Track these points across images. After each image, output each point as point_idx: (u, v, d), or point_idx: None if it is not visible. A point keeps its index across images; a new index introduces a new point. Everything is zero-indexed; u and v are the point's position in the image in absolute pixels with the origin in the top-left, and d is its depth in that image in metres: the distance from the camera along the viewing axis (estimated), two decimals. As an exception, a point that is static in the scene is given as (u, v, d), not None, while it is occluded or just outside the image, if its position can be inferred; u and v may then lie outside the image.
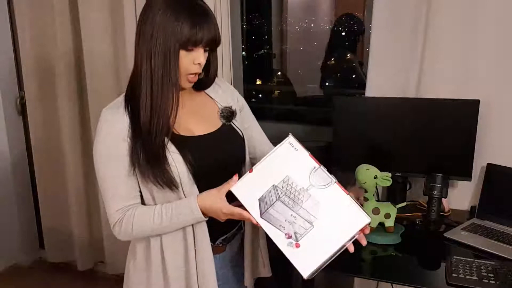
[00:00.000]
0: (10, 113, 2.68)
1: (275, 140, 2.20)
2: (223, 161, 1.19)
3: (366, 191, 1.62)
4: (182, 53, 1.06)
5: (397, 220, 1.65)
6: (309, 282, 1.84)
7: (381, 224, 1.62)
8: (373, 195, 1.62)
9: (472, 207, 1.83)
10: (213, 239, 1.19)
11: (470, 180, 1.79)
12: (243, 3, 2.53)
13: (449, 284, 1.34)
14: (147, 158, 1.08)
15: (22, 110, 2.71)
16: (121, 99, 1.14)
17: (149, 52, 1.06)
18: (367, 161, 1.66)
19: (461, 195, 1.89)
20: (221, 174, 1.14)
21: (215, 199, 1.09)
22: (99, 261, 2.74)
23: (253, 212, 1.03)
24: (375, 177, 1.59)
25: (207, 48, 1.11)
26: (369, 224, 1.02)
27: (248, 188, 1.05)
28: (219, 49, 2.01)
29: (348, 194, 1.03)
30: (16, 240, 2.82)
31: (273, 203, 1.03)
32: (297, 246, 1.00)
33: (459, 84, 1.80)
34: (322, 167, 1.05)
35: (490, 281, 1.31)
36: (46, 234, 2.76)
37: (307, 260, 0.99)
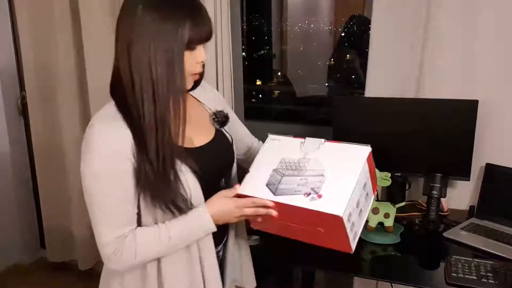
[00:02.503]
0: (11, 113, 2.68)
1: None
2: (221, 169, 1.17)
3: (365, 191, 1.63)
4: (186, 54, 0.98)
5: (397, 219, 1.66)
6: (308, 281, 1.85)
7: (381, 224, 1.62)
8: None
9: (471, 207, 1.83)
10: None
11: (469, 180, 1.79)
12: (243, 3, 2.53)
13: (448, 284, 1.34)
14: (157, 181, 0.97)
15: (23, 110, 2.71)
16: (112, 110, 0.99)
17: (148, 61, 0.94)
18: (367, 161, 1.66)
19: (460, 195, 1.90)
20: (219, 183, 1.15)
21: (223, 200, 1.05)
22: (99, 260, 2.73)
23: (266, 196, 1.05)
24: (375, 177, 1.60)
25: (205, 42, 1.02)
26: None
27: (252, 183, 1.09)
28: (219, 49, 2.03)
29: (341, 142, 1.07)
30: (17, 239, 2.82)
31: (280, 181, 1.06)
32: (320, 196, 1.01)
33: (459, 84, 1.80)
34: (307, 138, 1.10)
35: (489, 281, 1.32)
36: (46, 234, 2.76)
37: (335, 202, 0.99)
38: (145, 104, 0.95)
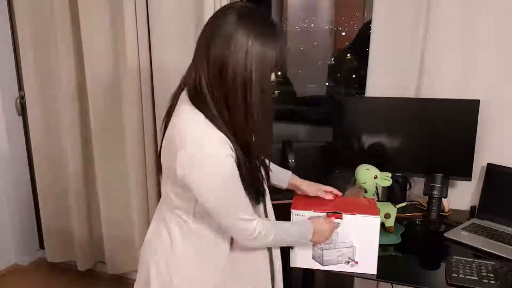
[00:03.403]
0: (10, 113, 2.67)
1: (275, 139, 2.20)
2: (268, 165, 1.31)
3: (366, 191, 1.62)
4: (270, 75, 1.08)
5: (397, 220, 1.65)
6: (308, 281, 1.84)
7: (381, 224, 1.61)
8: (373, 195, 1.62)
9: (472, 207, 1.83)
10: None
11: (470, 180, 1.79)
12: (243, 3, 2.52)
13: (449, 284, 1.34)
14: (252, 176, 1.12)
15: (22, 110, 2.71)
16: (202, 120, 1.06)
17: (247, 83, 1.03)
18: (367, 161, 1.66)
19: (461, 195, 1.89)
20: None
21: (323, 221, 1.31)
22: (99, 261, 2.73)
23: (317, 267, 1.39)
24: (375, 177, 1.60)
25: None
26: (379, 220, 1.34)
27: (300, 257, 1.40)
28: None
29: (354, 214, 1.32)
30: (16, 240, 2.81)
31: (322, 254, 1.37)
32: (357, 263, 1.35)
33: (459, 84, 1.80)
34: (326, 212, 1.34)
35: (490, 281, 1.31)
36: (46, 234, 2.75)
37: (369, 264, 1.35)
38: (239, 118, 1.06)
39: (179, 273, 1.18)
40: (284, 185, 1.46)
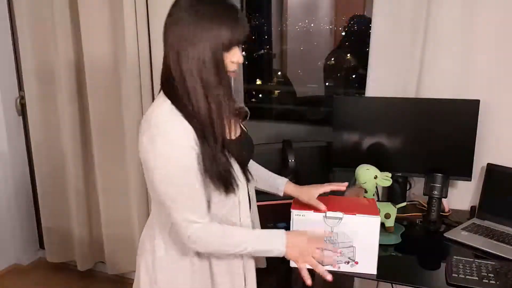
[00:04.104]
0: (10, 113, 2.68)
1: (275, 139, 2.20)
2: (247, 159, 1.29)
3: (366, 191, 1.62)
4: (225, 54, 1.07)
5: (397, 220, 1.65)
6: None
7: (381, 224, 1.61)
8: (373, 195, 1.62)
9: (472, 207, 1.83)
10: None
11: (470, 180, 1.79)
12: (243, 3, 2.53)
13: (449, 284, 1.34)
14: (217, 165, 1.09)
15: (22, 110, 2.71)
16: (170, 107, 1.08)
17: (197, 63, 1.05)
18: (367, 161, 1.66)
19: (461, 195, 1.89)
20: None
21: (300, 235, 1.23)
22: (99, 261, 2.73)
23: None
24: (375, 177, 1.60)
25: (240, 44, 1.12)
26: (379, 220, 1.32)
27: None
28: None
29: (354, 214, 1.31)
30: (16, 240, 2.81)
31: (321, 254, 1.31)
32: (357, 263, 1.35)
33: (459, 84, 1.80)
34: (327, 212, 1.32)
35: (490, 281, 1.31)
36: (46, 234, 2.75)
37: (369, 264, 1.35)
38: (199, 102, 1.07)
39: (162, 273, 1.21)
40: (279, 193, 1.43)
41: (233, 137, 1.20)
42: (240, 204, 1.20)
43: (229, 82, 1.11)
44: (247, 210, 1.23)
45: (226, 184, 1.12)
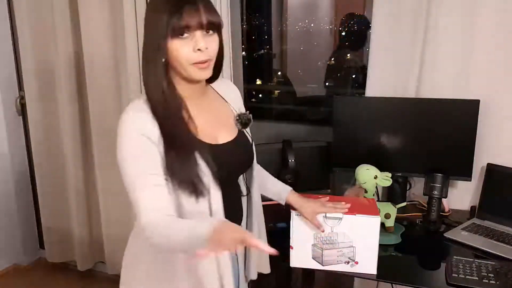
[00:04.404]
0: (10, 113, 2.67)
1: (275, 139, 2.20)
2: (240, 167, 1.23)
3: (366, 191, 1.62)
4: (177, 42, 1.02)
5: (397, 220, 1.65)
6: (308, 281, 1.84)
7: (382, 224, 1.61)
8: (373, 195, 1.62)
9: (472, 207, 1.83)
10: None
11: (470, 180, 1.79)
12: (243, 3, 2.53)
13: (449, 284, 1.34)
14: (182, 167, 1.05)
15: (22, 110, 2.71)
16: (140, 103, 1.09)
17: (144, 52, 1.08)
18: (367, 161, 1.66)
19: (461, 195, 1.89)
20: (233, 181, 1.22)
21: (230, 226, 0.97)
22: (99, 261, 2.73)
23: (317, 267, 1.39)
24: (375, 177, 1.60)
25: (209, 31, 1.05)
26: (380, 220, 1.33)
27: (300, 257, 1.40)
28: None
29: (354, 214, 1.32)
30: (16, 240, 2.81)
31: (322, 254, 1.38)
32: (357, 263, 1.36)
33: (459, 84, 1.80)
34: (326, 213, 1.33)
35: (490, 281, 1.31)
36: (46, 234, 2.75)
37: (369, 264, 1.36)
38: (154, 94, 1.06)
39: (139, 269, 1.19)
40: (281, 202, 1.38)
41: (220, 142, 1.15)
42: (213, 213, 1.10)
43: (162, 73, 1.06)
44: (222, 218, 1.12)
45: (192, 189, 1.06)
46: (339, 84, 2.76)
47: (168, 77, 1.08)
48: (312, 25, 2.97)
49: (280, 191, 1.38)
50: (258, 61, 2.94)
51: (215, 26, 1.05)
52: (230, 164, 1.17)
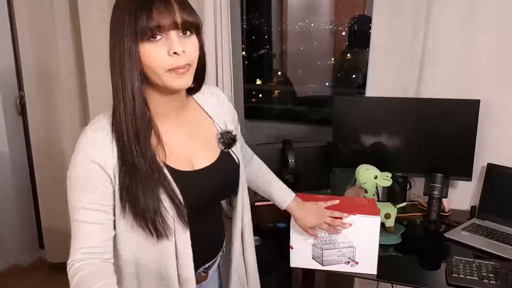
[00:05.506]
0: (10, 113, 2.68)
1: (275, 139, 2.20)
2: (215, 193, 1.09)
3: (366, 191, 1.62)
4: (149, 46, 0.87)
5: (398, 220, 1.65)
6: (308, 281, 1.84)
7: (382, 224, 1.61)
8: (373, 195, 1.62)
9: (473, 207, 1.83)
10: (195, 268, 1.03)
11: (471, 180, 1.79)
12: (243, 3, 2.53)
13: (449, 284, 1.34)
14: (140, 197, 0.91)
15: (22, 110, 2.71)
16: (104, 120, 0.95)
17: (112, 60, 0.90)
18: (367, 161, 1.66)
19: (462, 195, 1.89)
20: (210, 206, 1.09)
21: None
22: (99, 261, 2.73)
23: (317, 267, 1.39)
24: (375, 177, 1.60)
25: (186, 32, 0.90)
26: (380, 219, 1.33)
27: (300, 258, 1.40)
28: (219, 49, 2.02)
29: (354, 214, 1.31)
30: (16, 240, 2.81)
31: (322, 254, 1.37)
32: (357, 263, 1.36)
33: (459, 84, 1.80)
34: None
35: (491, 281, 1.31)
36: (45, 234, 2.75)
37: (369, 264, 1.36)
38: (120, 114, 0.90)
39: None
40: (281, 208, 1.31)
41: (196, 167, 1.01)
42: (179, 253, 0.98)
43: (135, 78, 0.89)
44: (189, 262, 0.99)
45: (152, 230, 0.93)
46: (344, 85, 2.76)
47: (140, 91, 0.91)
48: (312, 25, 2.97)
49: (284, 195, 1.30)
50: (258, 61, 2.94)
51: (193, 26, 0.91)
52: (208, 192, 1.03)
